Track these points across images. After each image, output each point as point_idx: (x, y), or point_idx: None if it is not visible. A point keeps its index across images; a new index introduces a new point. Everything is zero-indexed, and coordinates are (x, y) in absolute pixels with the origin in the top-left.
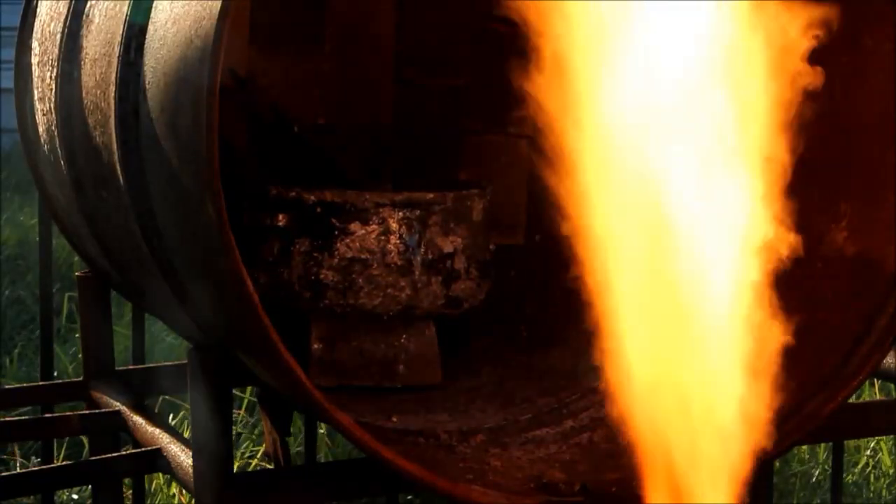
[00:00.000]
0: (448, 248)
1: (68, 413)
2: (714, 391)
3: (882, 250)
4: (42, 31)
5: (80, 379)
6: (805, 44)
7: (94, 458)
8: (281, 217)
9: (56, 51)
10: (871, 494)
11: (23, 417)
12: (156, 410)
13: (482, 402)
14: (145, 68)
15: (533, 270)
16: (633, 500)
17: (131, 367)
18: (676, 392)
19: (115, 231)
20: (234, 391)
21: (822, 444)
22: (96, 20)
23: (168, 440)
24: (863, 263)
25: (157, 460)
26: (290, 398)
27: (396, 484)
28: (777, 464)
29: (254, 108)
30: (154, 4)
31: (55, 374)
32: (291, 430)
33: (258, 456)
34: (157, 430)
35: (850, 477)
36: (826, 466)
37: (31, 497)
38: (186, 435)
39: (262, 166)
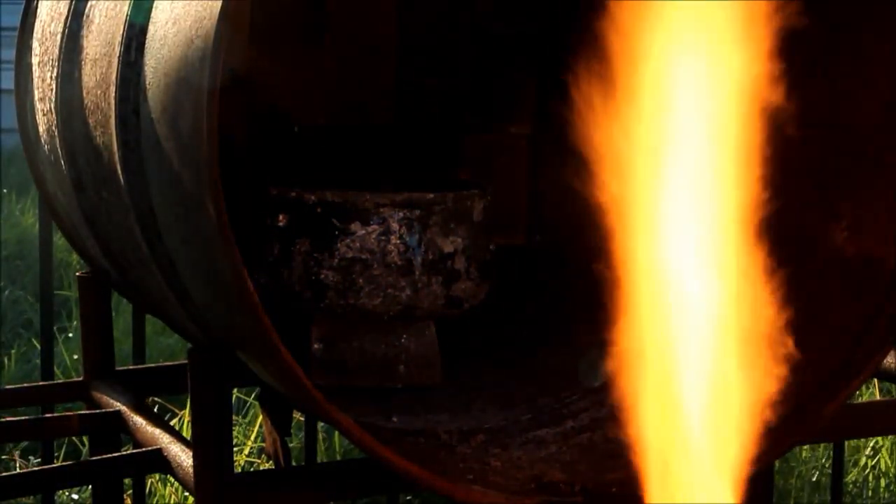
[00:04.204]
0: (448, 249)
1: (68, 413)
2: (714, 391)
3: (882, 250)
4: (42, 31)
5: (80, 379)
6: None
7: (94, 458)
8: (281, 217)
9: (56, 51)
10: (871, 494)
11: (23, 417)
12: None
13: (482, 402)
14: (146, 68)
15: (533, 270)
16: (633, 500)
17: (131, 367)
18: (676, 392)
19: (116, 231)
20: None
21: (822, 444)
22: (96, 20)
23: (168, 440)
24: (863, 263)
25: (157, 460)
26: (290, 398)
27: (396, 484)
28: (777, 464)
29: (254, 108)
30: (154, 4)
31: (55, 374)
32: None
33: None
34: (157, 430)
35: (850, 477)
36: (826, 466)
37: (31, 497)
38: (186, 435)
39: (262, 166)
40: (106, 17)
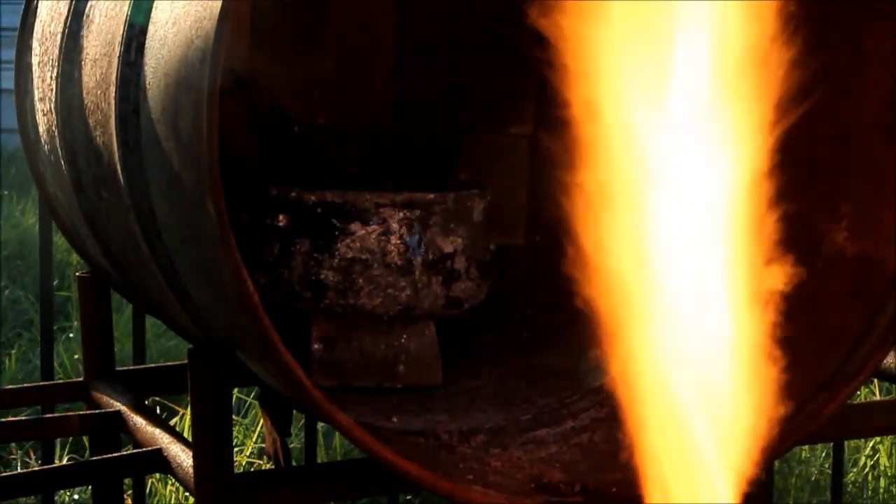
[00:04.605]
0: (448, 249)
1: (68, 413)
2: (714, 392)
3: (882, 250)
4: (42, 31)
5: (80, 379)
6: (804, 44)
7: (94, 458)
8: (281, 217)
9: (56, 51)
10: (871, 494)
11: (23, 417)
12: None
13: (482, 403)
14: (146, 68)
15: (533, 270)
16: (633, 500)
17: (131, 367)
18: (677, 392)
19: (116, 231)
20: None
21: (822, 444)
22: (96, 20)
23: (168, 440)
24: (863, 263)
25: (157, 460)
26: (290, 398)
27: (396, 484)
28: (777, 464)
29: (254, 109)
30: (154, 4)
31: (55, 374)
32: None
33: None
34: (157, 430)
35: (849, 477)
36: (826, 466)
37: (32, 497)
38: (186, 435)
39: (262, 166)
40: (106, 17)
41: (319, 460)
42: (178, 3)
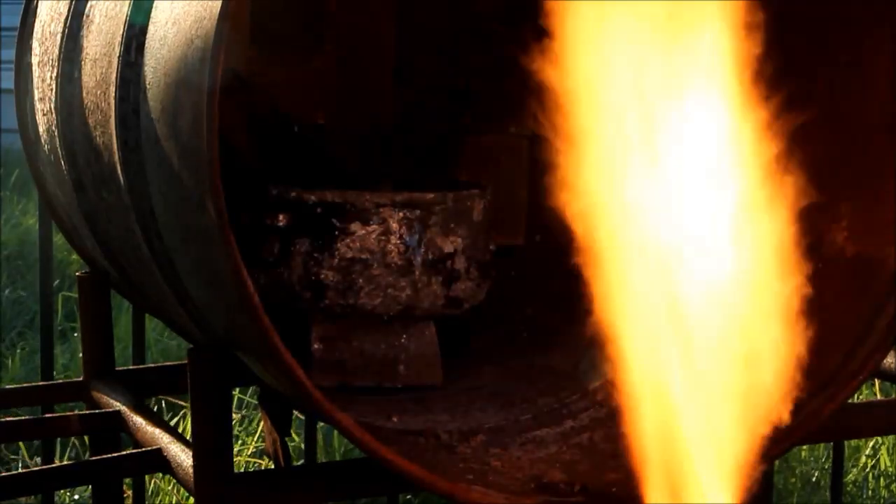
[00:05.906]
0: (448, 249)
1: (68, 413)
2: (714, 391)
3: (882, 250)
4: (42, 31)
5: (80, 379)
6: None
7: (94, 458)
8: (281, 217)
9: (56, 51)
10: (871, 494)
11: (23, 417)
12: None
13: (482, 403)
14: (146, 68)
15: (533, 270)
16: (633, 500)
17: (131, 367)
18: (676, 392)
19: (116, 231)
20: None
21: (822, 444)
22: (96, 20)
23: (168, 440)
24: (863, 263)
25: (157, 460)
26: (290, 398)
27: (396, 484)
28: (777, 464)
29: (254, 108)
30: (154, 4)
31: (55, 374)
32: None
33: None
34: (157, 430)
35: (850, 477)
36: (826, 466)
37: (32, 497)
38: (186, 435)
39: (262, 166)
40: (106, 17)
41: (319, 460)
42: (178, 3)
